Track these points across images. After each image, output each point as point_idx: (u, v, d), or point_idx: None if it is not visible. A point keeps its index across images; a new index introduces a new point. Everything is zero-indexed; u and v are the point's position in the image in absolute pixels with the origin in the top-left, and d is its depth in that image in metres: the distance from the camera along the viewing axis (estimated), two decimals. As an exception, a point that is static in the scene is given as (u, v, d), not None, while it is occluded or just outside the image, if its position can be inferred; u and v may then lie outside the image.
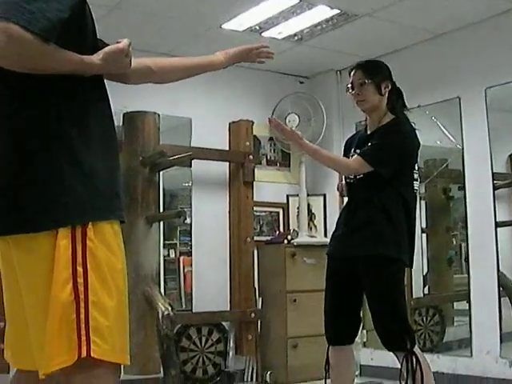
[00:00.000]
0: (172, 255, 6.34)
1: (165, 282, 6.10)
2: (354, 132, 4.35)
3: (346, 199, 3.95)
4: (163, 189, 5.90)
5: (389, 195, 3.62)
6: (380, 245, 3.57)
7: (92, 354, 1.84)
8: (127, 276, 2.00)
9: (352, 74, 3.80)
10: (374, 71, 3.75)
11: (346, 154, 3.92)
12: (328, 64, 6.46)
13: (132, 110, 5.28)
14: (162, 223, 5.68)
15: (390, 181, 3.61)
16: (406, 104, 3.84)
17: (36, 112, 1.92)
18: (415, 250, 3.75)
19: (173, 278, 6.31)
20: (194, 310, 5.96)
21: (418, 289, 6.22)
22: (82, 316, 1.86)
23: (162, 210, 5.77)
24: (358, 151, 3.76)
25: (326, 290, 3.82)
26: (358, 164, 3.64)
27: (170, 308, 4.76)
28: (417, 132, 3.72)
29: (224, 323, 6.00)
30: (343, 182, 3.93)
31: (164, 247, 6.11)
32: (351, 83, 3.79)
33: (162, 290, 5.66)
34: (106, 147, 2.03)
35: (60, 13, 1.82)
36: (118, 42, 2.01)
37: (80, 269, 1.87)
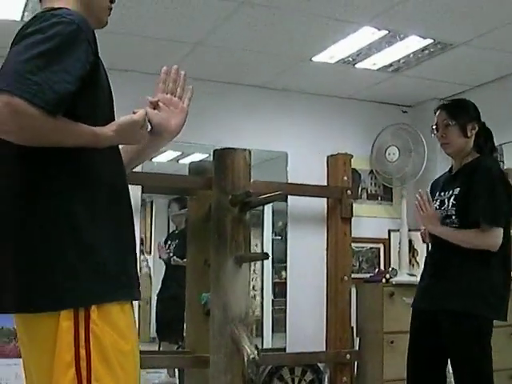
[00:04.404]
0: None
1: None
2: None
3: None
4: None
5: None
6: (463, 300, 3.33)
7: None
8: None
9: (437, 114, 3.61)
10: (458, 112, 3.53)
11: (432, 196, 3.71)
12: (431, 93, 6.17)
13: (223, 147, 5.21)
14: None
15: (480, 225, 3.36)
16: (496, 146, 3.59)
17: (33, 174, 1.81)
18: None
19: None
20: (287, 348, 5.84)
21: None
22: None
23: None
24: (442, 194, 3.60)
25: (409, 345, 3.60)
26: (491, 234, 3.35)
27: (256, 352, 4.61)
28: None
29: (319, 364, 5.82)
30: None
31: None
32: (436, 124, 3.59)
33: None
34: (114, 219, 1.90)
35: (69, 85, 1.72)
36: (133, 113, 1.90)
37: (83, 352, 1.76)
